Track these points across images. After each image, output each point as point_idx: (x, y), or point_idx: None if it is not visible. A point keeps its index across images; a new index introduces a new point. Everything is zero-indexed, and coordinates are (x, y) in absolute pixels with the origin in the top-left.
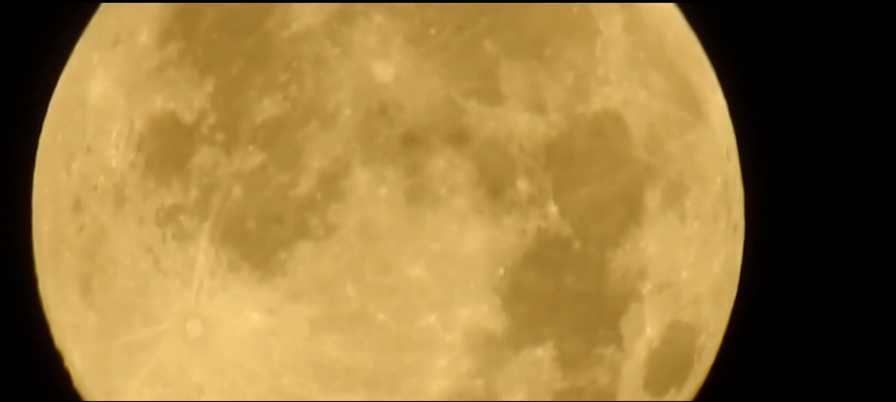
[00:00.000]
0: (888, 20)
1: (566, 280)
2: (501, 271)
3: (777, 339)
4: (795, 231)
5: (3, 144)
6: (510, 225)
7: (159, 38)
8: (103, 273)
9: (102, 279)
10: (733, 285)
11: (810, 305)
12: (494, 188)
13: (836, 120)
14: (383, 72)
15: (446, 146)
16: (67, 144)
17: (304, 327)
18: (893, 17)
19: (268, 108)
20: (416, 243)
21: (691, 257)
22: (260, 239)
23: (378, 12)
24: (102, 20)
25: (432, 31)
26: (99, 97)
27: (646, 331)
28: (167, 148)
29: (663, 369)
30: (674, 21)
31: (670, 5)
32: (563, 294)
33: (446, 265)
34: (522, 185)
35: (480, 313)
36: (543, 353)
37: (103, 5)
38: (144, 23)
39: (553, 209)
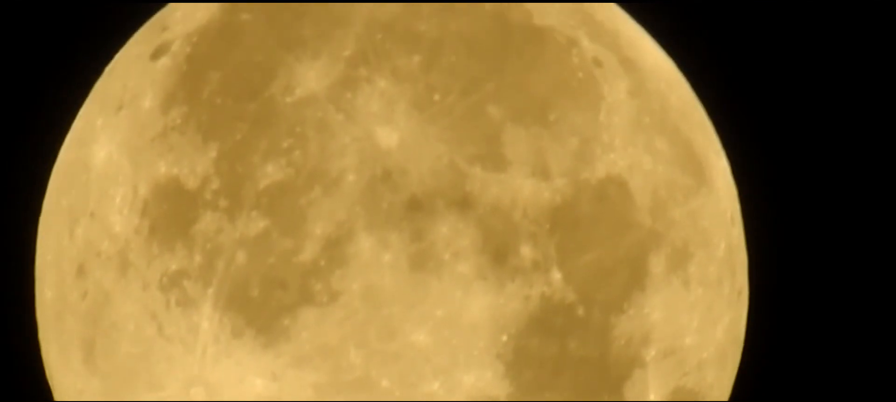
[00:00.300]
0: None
1: (570, 346)
2: (505, 337)
3: None
4: (799, 296)
5: (6, 209)
6: (514, 291)
7: (163, 102)
8: (107, 339)
9: (106, 345)
10: (738, 351)
11: (814, 371)
12: (498, 254)
13: (841, 186)
14: (387, 137)
15: (450, 212)
16: (71, 209)
17: (308, 393)
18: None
19: (271, 173)
20: (419, 309)
21: (695, 323)
22: (263, 305)
23: (382, 78)
24: (106, 85)
25: (436, 97)
26: (103, 162)
27: (650, 397)
28: (171, 213)
29: None
30: (678, 85)
31: (672, 67)
32: (567, 360)
33: (450, 331)
34: (526, 251)
35: (484, 379)
36: None
37: (107, 69)
38: (148, 87)
39: (557, 275)
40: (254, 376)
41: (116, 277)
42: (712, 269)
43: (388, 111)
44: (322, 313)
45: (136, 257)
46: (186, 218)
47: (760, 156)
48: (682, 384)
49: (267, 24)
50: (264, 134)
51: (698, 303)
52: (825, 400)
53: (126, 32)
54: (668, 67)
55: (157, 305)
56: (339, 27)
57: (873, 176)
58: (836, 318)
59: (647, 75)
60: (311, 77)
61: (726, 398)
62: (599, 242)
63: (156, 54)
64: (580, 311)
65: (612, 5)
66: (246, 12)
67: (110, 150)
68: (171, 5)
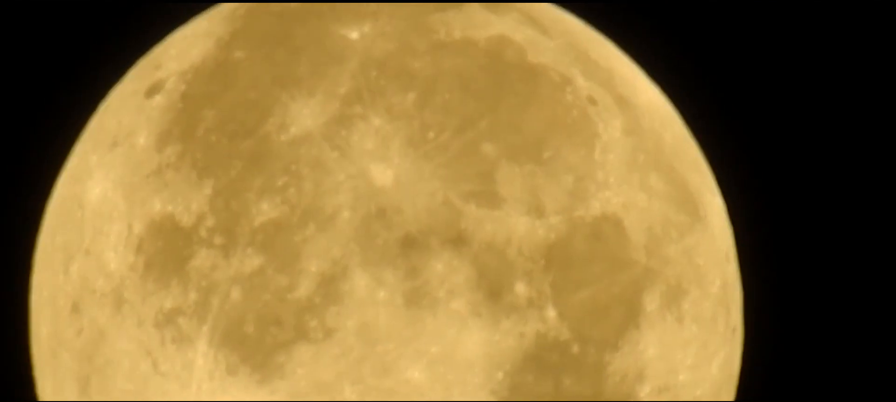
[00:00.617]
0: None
1: (564, 383)
2: (500, 374)
3: None
4: (794, 334)
5: (2, 246)
6: (509, 328)
7: (158, 140)
8: (102, 375)
9: (101, 382)
10: (732, 388)
11: None
12: (493, 291)
13: (836, 224)
14: (382, 175)
15: (445, 249)
16: (66, 246)
17: None
18: (890, 117)
19: (266, 210)
20: (414, 346)
21: (690, 360)
22: (258, 342)
23: (376, 115)
24: (101, 122)
25: (431, 134)
26: (98, 200)
27: None
28: (166, 250)
29: None
30: (672, 123)
31: (667, 105)
32: (562, 397)
33: (445, 368)
34: (521, 288)
35: None
36: None
37: (102, 106)
38: (143, 125)
39: (552, 313)
40: None
41: (111, 314)
42: (707, 306)
43: (382, 149)
44: (317, 350)
45: (131, 294)
46: (181, 255)
47: (755, 193)
48: None
49: (262, 62)
50: (259, 171)
51: (693, 340)
52: None
53: (120, 70)
54: (662, 105)
55: (152, 342)
56: (333, 65)
57: (868, 214)
58: (831, 356)
59: (642, 113)
60: (306, 115)
61: None
62: (594, 279)
63: (150, 92)
64: (575, 348)
65: (604, 40)
66: (240, 50)
67: (105, 187)
68: (165, 43)
